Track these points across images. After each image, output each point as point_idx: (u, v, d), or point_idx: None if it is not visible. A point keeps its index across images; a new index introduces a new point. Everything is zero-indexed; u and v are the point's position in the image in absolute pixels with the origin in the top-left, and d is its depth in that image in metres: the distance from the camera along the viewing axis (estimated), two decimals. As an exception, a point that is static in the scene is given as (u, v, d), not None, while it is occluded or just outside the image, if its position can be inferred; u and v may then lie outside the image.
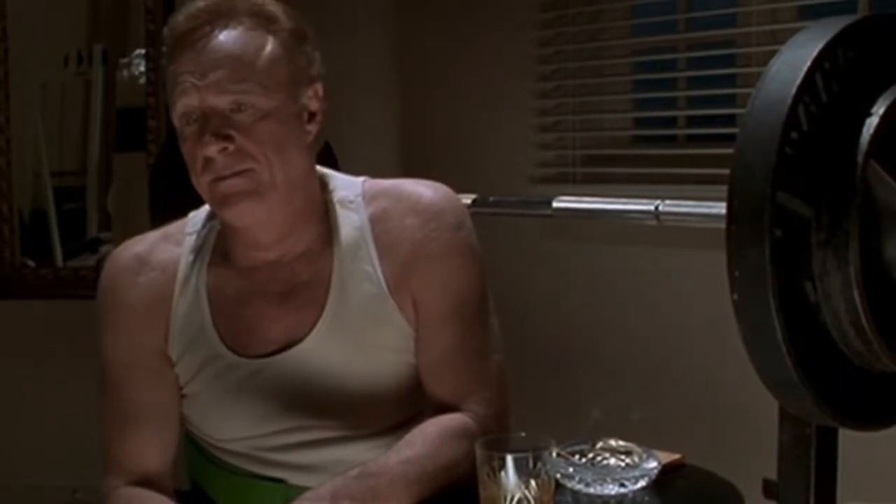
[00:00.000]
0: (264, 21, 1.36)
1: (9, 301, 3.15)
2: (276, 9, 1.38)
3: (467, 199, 1.69)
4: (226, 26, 1.33)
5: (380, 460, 1.32)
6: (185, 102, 1.33)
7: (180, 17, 1.35)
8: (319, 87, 1.42)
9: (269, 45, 1.35)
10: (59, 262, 3.21)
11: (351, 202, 1.45)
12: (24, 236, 3.22)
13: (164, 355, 1.42)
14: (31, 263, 3.22)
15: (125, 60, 3.17)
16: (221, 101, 1.31)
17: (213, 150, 1.31)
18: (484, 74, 3.16)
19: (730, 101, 2.76)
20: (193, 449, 1.51)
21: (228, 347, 1.40)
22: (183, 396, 1.44)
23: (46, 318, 3.11)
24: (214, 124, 1.31)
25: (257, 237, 1.40)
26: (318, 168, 1.47)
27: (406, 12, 3.35)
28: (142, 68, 3.10)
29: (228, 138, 1.31)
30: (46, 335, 3.10)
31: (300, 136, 1.38)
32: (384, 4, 3.36)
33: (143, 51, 3.10)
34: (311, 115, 1.40)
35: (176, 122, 1.35)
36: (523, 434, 1.23)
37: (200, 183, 1.35)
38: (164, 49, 1.37)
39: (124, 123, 3.17)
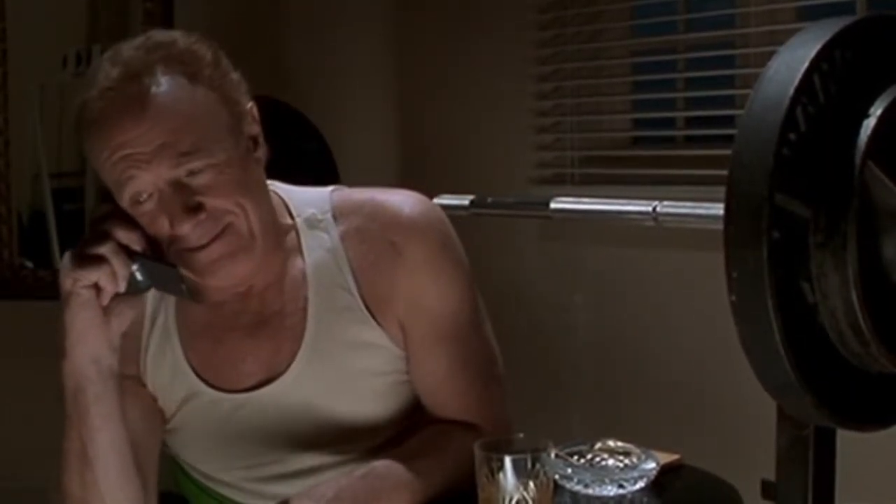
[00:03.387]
0: (182, 66, 1.23)
1: (7, 302, 3.15)
2: (186, 44, 1.26)
3: (465, 199, 1.69)
4: (147, 88, 1.20)
5: (387, 462, 1.30)
6: (135, 187, 1.21)
7: (94, 92, 1.22)
8: (253, 108, 1.31)
9: (199, 93, 1.24)
10: (58, 263, 3.20)
11: (319, 221, 1.37)
12: (22, 237, 3.22)
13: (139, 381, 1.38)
14: (30, 264, 3.22)
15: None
16: (176, 173, 1.21)
17: (186, 227, 1.22)
18: (482, 75, 3.16)
19: (728, 102, 2.76)
20: (183, 476, 1.48)
21: (206, 383, 1.36)
22: (167, 431, 1.40)
23: (45, 319, 3.10)
24: (178, 199, 1.21)
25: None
26: (279, 186, 1.40)
27: (404, 14, 3.35)
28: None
29: (199, 208, 1.22)
30: (45, 336, 3.10)
31: (256, 168, 1.30)
32: (383, 5, 3.36)
33: (141, 52, 3.09)
34: (255, 140, 1.31)
35: (123, 203, 1.23)
36: (521, 435, 1.23)
37: (171, 253, 1.25)
38: (81, 129, 1.24)
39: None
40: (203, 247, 1.25)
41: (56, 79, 3.21)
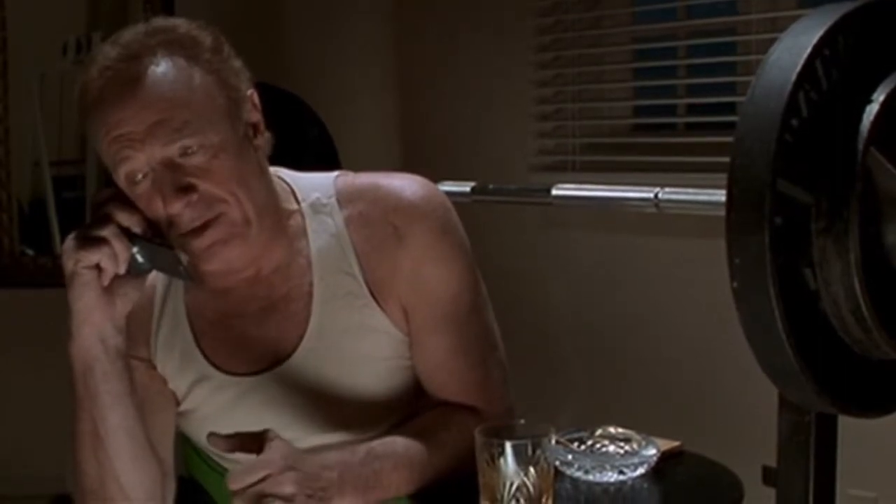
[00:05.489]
0: (181, 49, 1.25)
1: (7, 290, 3.16)
2: (187, 29, 1.28)
3: (466, 186, 1.69)
4: (146, 68, 1.22)
5: (387, 443, 1.31)
6: (130, 166, 1.22)
7: (93, 72, 1.23)
8: (254, 95, 1.32)
9: (197, 75, 1.25)
10: (58, 250, 3.20)
11: (324, 205, 1.37)
12: (23, 225, 3.23)
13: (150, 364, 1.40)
14: (30, 252, 3.23)
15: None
16: (169, 151, 1.21)
17: (178, 206, 1.22)
18: (484, 62, 3.16)
19: (730, 88, 2.75)
20: (196, 458, 1.49)
21: (215, 367, 1.37)
22: (178, 414, 1.42)
23: (45, 306, 3.09)
24: (170, 178, 1.22)
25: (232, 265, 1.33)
26: (284, 172, 1.41)
27: (405, 1, 3.34)
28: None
29: (190, 188, 1.22)
30: (45, 323, 3.09)
31: (254, 155, 1.30)
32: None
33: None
34: (255, 128, 1.31)
35: (120, 184, 1.25)
36: (522, 421, 1.23)
37: (170, 238, 1.26)
38: (81, 109, 1.25)
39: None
40: (196, 233, 1.25)
41: (56, 66, 3.21)
